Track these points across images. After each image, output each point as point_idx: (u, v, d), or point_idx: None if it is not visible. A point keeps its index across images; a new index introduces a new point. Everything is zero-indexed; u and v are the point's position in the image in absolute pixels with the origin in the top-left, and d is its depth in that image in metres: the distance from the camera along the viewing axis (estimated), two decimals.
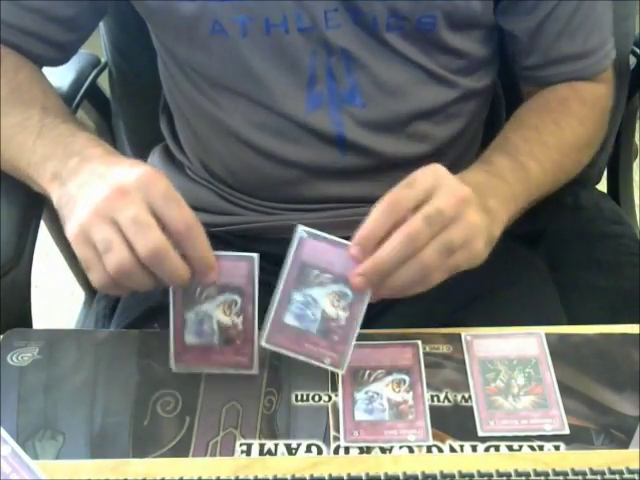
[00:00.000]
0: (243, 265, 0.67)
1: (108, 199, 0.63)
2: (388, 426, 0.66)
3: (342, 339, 0.66)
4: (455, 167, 0.91)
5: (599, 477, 0.60)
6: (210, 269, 0.65)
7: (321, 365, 0.66)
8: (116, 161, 0.69)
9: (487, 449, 0.64)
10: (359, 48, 0.80)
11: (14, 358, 0.72)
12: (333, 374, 0.70)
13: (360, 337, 0.73)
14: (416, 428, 0.65)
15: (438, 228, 0.65)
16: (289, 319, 0.66)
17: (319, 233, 0.66)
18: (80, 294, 1.20)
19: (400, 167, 0.88)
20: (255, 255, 0.67)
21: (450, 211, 0.65)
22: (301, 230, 0.67)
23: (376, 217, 0.65)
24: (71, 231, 0.65)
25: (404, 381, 0.69)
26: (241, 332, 0.66)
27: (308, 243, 0.67)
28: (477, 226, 0.67)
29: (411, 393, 0.68)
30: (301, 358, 0.65)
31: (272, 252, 0.89)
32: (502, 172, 0.77)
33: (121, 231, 0.62)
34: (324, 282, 0.66)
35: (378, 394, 0.68)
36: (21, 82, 0.80)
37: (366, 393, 0.68)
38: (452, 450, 0.64)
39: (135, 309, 0.86)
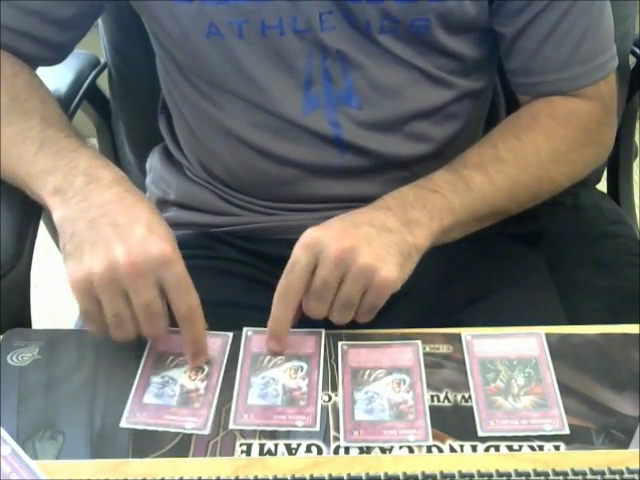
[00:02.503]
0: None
1: (124, 270, 0.65)
2: (388, 426, 0.66)
3: (309, 402, 0.68)
4: None
5: (599, 477, 0.60)
6: (200, 354, 0.70)
7: (294, 429, 0.66)
8: (131, 203, 0.69)
9: (487, 449, 0.64)
10: (354, 50, 0.80)
11: (14, 358, 0.72)
12: (333, 374, 0.70)
13: (360, 337, 0.73)
14: (416, 428, 0.65)
15: (331, 293, 0.69)
16: (253, 400, 0.68)
17: (262, 330, 0.72)
18: None
19: (400, 167, 0.88)
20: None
21: (335, 272, 0.68)
22: (246, 330, 0.74)
23: (276, 311, 0.70)
24: (75, 275, 0.66)
25: (404, 381, 0.69)
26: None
27: (255, 337, 0.74)
28: (371, 265, 0.68)
29: (411, 393, 0.68)
30: (271, 429, 0.66)
31: (271, 252, 0.90)
32: (437, 185, 0.78)
33: (132, 308, 0.66)
34: (278, 363, 0.71)
35: (378, 394, 0.68)
36: (19, 90, 0.80)
37: (366, 393, 0.68)
38: (452, 450, 0.64)
39: None
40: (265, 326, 0.74)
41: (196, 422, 0.66)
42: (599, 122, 0.86)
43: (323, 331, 0.74)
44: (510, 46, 0.83)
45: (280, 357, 0.71)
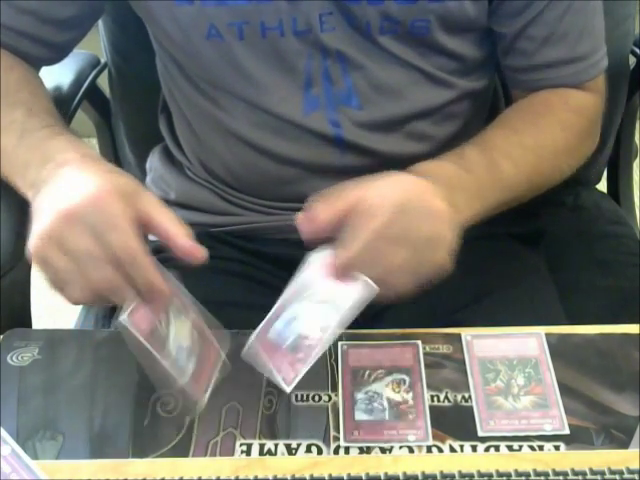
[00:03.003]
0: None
1: (55, 224, 0.62)
2: (388, 426, 0.66)
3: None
4: None
5: (599, 477, 0.60)
6: (159, 293, 0.64)
7: (280, 385, 0.64)
8: (83, 170, 0.67)
9: (487, 449, 0.64)
10: (354, 50, 0.80)
11: (14, 358, 0.72)
12: (333, 374, 0.70)
13: (360, 337, 0.73)
14: (416, 428, 0.65)
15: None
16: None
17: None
18: None
19: (400, 166, 0.87)
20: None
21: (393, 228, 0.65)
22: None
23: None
24: (30, 251, 0.64)
25: (404, 381, 0.69)
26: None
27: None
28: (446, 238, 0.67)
29: (411, 393, 0.68)
30: (266, 373, 0.65)
31: (271, 252, 0.90)
32: (473, 166, 0.76)
33: (76, 262, 0.62)
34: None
35: (378, 394, 0.68)
36: (10, 84, 0.80)
37: (366, 393, 0.68)
38: (452, 450, 0.64)
39: None
40: None
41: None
42: (598, 116, 0.88)
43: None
44: (510, 46, 0.84)
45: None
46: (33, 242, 0.63)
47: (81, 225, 0.62)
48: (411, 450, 0.64)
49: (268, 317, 0.66)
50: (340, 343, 0.73)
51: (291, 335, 0.65)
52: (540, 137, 0.82)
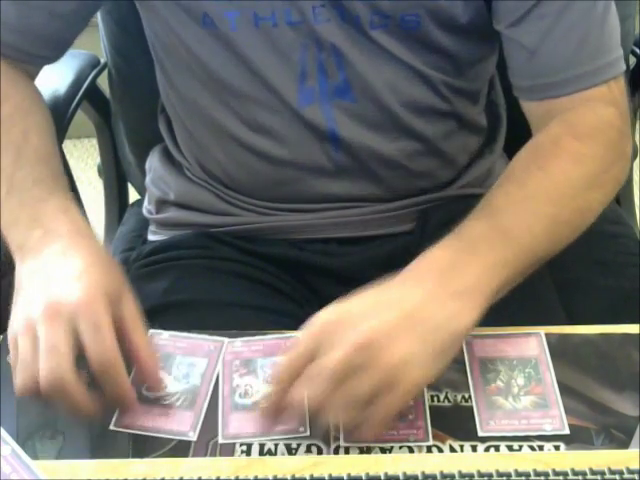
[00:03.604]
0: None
1: (39, 316, 0.63)
2: (388, 426, 0.66)
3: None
4: (451, 166, 0.92)
5: (599, 477, 0.60)
6: (129, 405, 0.65)
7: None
8: (72, 254, 0.68)
9: (487, 449, 0.64)
10: (348, 44, 0.80)
11: None
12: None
13: None
14: (416, 428, 0.65)
15: (332, 384, 0.60)
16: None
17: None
18: None
19: (394, 165, 0.88)
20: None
21: (347, 362, 0.60)
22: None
23: (272, 396, 0.64)
24: (8, 331, 0.66)
25: None
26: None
27: None
28: (396, 366, 0.61)
29: None
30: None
31: (271, 252, 0.90)
32: (477, 244, 0.69)
33: (38, 347, 0.63)
34: None
35: None
36: (3, 119, 0.77)
37: None
38: (452, 450, 0.64)
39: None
40: (265, 327, 0.75)
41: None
42: (621, 133, 0.79)
43: None
44: (509, 42, 0.80)
45: None
46: (14, 326, 0.65)
47: (64, 324, 0.63)
48: (411, 450, 0.64)
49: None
50: None
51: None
52: (551, 183, 0.74)
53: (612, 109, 0.78)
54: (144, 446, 0.65)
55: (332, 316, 0.64)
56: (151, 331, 0.73)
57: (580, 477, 0.60)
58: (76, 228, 0.72)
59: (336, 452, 0.64)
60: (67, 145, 1.22)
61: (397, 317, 0.63)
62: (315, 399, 0.61)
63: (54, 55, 0.86)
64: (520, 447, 0.64)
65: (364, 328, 0.62)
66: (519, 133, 0.92)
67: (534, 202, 0.73)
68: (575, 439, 0.64)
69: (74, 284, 0.65)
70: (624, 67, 0.80)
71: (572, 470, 0.60)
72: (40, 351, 0.62)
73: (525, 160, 0.77)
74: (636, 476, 0.60)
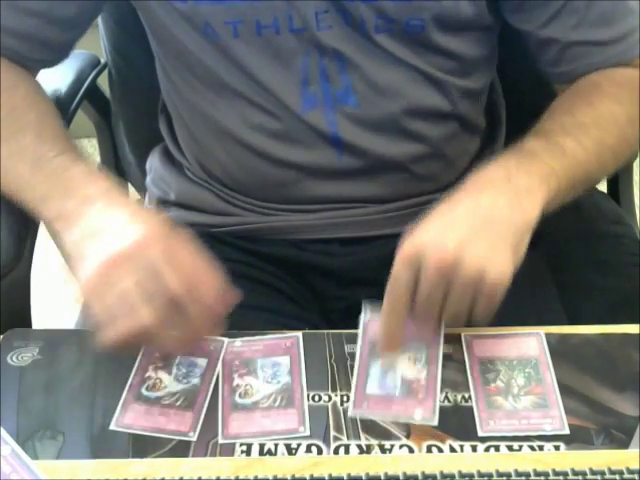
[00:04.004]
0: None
1: (105, 265, 0.65)
2: (397, 402, 0.67)
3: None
4: (453, 168, 0.92)
5: (599, 477, 0.60)
6: (195, 338, 0.68)
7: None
8: (115, 209, 0.70)
9: (487, 449, 0.64)
10: (351, 49, 0.80)
11: (14, 358, 0.72)
12: (333, 374, 0.70)
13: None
14: (424, 407, 0.66)
15: (437, 306, 0.67)
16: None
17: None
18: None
19: (398, 167, 0.88)
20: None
21: (438, 286, 0.66)
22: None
23: (385, 330, 0.69)
24: (82, 293, 0.67)
25: (420, 359, 0.70)
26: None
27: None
28: (478, 270, 0.66)
29: (425, 372, 0.69)
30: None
31: (271, 252, 0.90)
32: (535, 152, 0.75)
33: (126, 297, 0.64)
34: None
35: (393, 368, 0.69)
36: (17, 103, 0.79)
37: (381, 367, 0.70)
38: (452, 450, 0.64)
39: None
40: (265, 327, 0.75)
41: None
42: None
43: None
44: (538, 40, 0.83)
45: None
46: (84, 282, 0.66)
47: (132, 266, 0.65)
48: (411, 450, 0.64)
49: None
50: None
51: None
52: (597, 113, 0.80)
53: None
54: (144, 446, 0.65)
55: (413, 246, 0.68)
56: None
57: (580, 477, 0.60)
58: (106, 188, 0.73)
59: (336, 452, 0.64)
60: None
61: (475, 225, 0.69)
62: (432, 312, 0.68)
63: (54, 59, 0.86)
64: (520, 447, 0.64)
65: (448, 246, 0.66)
66: (519, 133, 0.92)
67: (584, 127, 0.79)
68: (575, 439, 0.64)
69: (128, 232, 0.67)
70: None
71: (572, 470, 0.60)
72: (130, 302, 0.64)
73: (571, 98, 0.83)
74: (636, 476, 0.60)
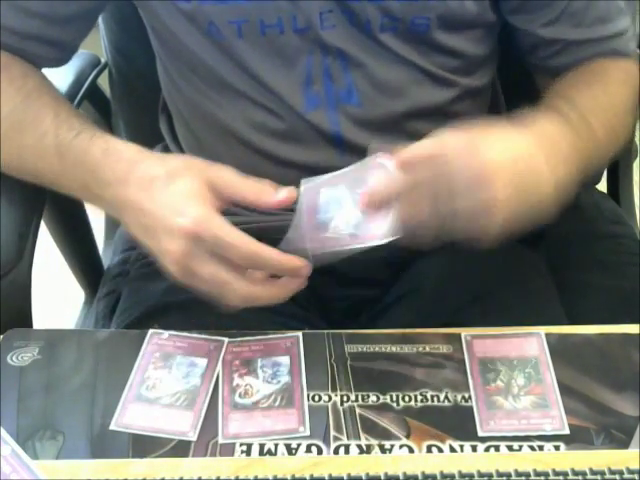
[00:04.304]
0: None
1: (180, 263, 0.67)
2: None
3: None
4: None
5: (599, 477, 0.60)
6: (300, 270, 0.68)
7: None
8: (150, 186, 0.69)
9: (487, 449, 0.64)
10: (355, 48, 0.80)
11: (14, 358, 0.72)
12: (333, 374, 0.70)
13: (360, 337, 0.73)
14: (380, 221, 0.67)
15: (427, 200, 0.65)
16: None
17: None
18: (80, 294, 1.20)
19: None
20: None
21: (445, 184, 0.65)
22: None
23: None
24: (172, 274, 0.69)
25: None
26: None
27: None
28: (495, 195, 0.65)
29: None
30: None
31: None
32: (574, 125, 0.75)
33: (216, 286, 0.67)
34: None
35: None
36: (31, 90, 0.80)
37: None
38: (452, 450, 0.64)
39: (135, 309, 0.86)
40: (265, 327, 0.75)
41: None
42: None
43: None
44: (539, 38, 0.84)
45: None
46: (173, 272, 0.68)
47: (198, 256, 0.66)
48: (411, 450, 0.64)
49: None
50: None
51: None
52: (608, 92, 0.81)
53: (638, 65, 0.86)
54: (144, 446, 0.65)
55: (460, 141, 0.67)
56: (151, 331, 0.73)
57: (580, 477, 0.60)
58: (128, 160, 0.72)
59: (336, 452, 0.64)
60: None
61: (510, 158, 0.67)
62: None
63: (58, 57, 0.86)
64: (520, 447, 0.64)
65: (485, 159, 0.65)
66: None
67: (600, 105, 0.79)
68: (575, 439, 0.64)
69: (173, 220, 0.67)
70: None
71: (572, 470, 0.60)
72: (214, 290, 0.67)
73: (581, 75, 0.83)
74: (636, 476, 0.60)
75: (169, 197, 0.68)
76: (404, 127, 0.85)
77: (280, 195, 0.68)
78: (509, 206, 0.66)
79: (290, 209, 0.90)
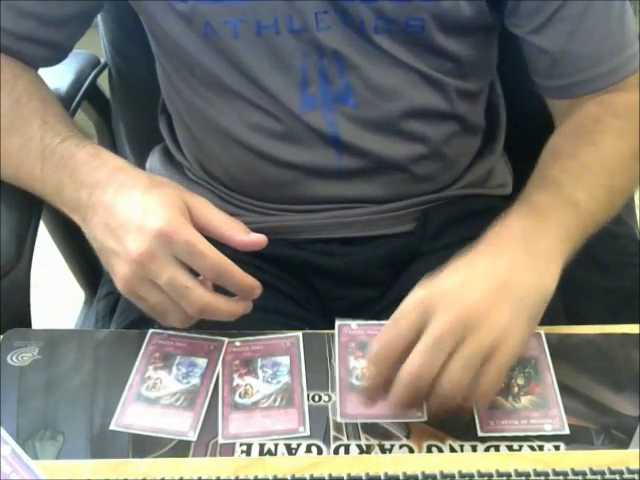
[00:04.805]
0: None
1: (139, 264, 0.66)
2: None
3: None
4: (452, 168, 0.92)
5: (599, 477, 0.60)
6: (253, 291, 0.69)
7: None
8: (127, 194, 0.69)
9: (487, 449, 0.64)
10: (350, 50, 0.80)
11: (14, 358, 0.72)
12: (333, 374, 0.70)
13: None
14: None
15: (440, 357, 0.61)
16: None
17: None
18: (80, 294, 1.20)
19: (398, 168, 0.88)
20: None
21: (449, 337, 0.61)
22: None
23: (372, 371, 0.64)
24: (120, 289, 0.68)
25: None
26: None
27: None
28: (493, 341, 0.62)
29: None
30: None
31: (272, 252, 0.89)
32: (549, 211, 0.72)
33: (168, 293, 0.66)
34: None
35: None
36: (20, 93, 0.79)
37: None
38: (452, 450, 0.64)
39: (135, 309, 0.85)
40: (265, 327, 0.75)
41: None
42: None
43: None
44: (530, 47, 0.82)
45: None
46: (121, 285, 0.67)
47: (163, 260, 0.65)
48: (411, 450, 0.64)
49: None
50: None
51: None
52: (601, 155, 0.78)
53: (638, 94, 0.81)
54: (144, 446, 0.65)
55: (429, 293, 0.65)
56: (151, 331, 0.73)
57: (580, 477, 0.60)
58: (113, 168, 0.72)
59: (336, 452, 0.64)
60: None
61: (493, 288, 0.65)
62: (431, 368, 0.61)
63: (52, 57, 0.86)
64: (520, 447, 0.64)
65: (466, 301, 0.63)
66: (519, 133, 0.92)
67: (591, 174, 0.76)
68: (575, 439, 0.64)
69: (145, 221, 0.66)
70: None
71: (572, 470, 0.60)
72: (172, 295, 0.66)
73: (571, 136, 0.81)
74: (636, 476, 0.60)
75: (145, 201, 0.68)
76: (402, 128, 0.85)
77: (252, 236, 0.69)
78: (511, 330, 0.64)
79: (290, 210, 0.90)
